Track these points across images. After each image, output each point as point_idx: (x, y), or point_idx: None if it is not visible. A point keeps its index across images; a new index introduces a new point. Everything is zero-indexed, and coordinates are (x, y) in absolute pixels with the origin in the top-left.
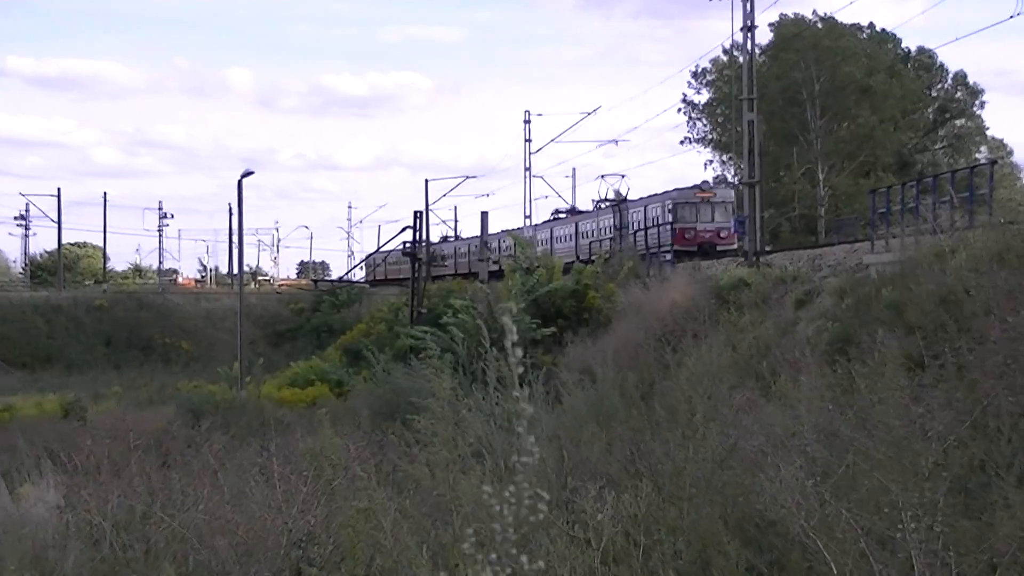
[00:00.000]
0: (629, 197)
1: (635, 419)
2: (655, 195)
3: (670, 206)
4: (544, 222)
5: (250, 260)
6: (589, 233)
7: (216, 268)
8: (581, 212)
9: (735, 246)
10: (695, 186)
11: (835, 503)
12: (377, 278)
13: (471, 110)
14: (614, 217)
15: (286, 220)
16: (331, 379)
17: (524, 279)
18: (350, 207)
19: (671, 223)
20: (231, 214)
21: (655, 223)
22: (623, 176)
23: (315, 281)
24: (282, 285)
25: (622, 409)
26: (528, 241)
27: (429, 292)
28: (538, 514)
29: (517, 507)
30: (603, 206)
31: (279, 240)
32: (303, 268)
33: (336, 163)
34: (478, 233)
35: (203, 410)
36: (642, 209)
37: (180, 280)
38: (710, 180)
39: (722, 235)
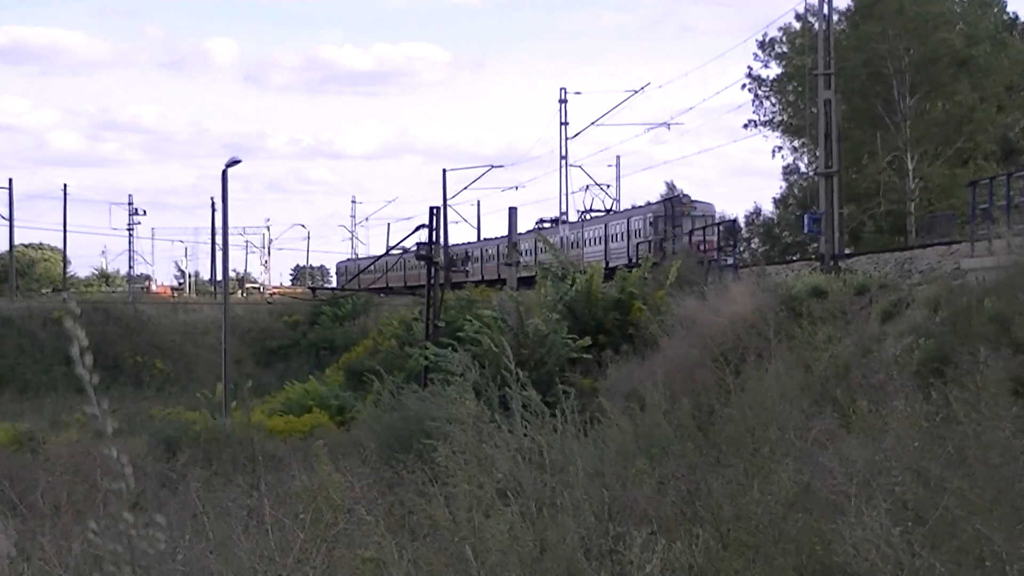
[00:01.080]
0: (620, 207)
1: (690, 453)
2: (638, 207)
3: (651, 219)
4: (527, 231)
5: (236, 264)
6: (575, 244)
7: (196, 274)
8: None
9: (729, 260)
10: (675, 198)
11: (928, 554)
12: (361, 287)
13: (495, 88)
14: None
15: (279, 217)
16: (331, 405)
17: (558, 287)
18: (354, 202)
19: (651, 237)
20: (214, 210)
21: (638, 236)
22: (607, 186)
23: (313, 289)
24: (274, 293)
25: (675, 441)
26: (553, 244)
27: (448, 302)
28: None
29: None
30: (587, 217)
31: (270, 241)
32: (299, 274)
33: (337, 150)
34: (505, 232)
35: (180, 442)
36: (624, 221)
37: (154, 288)
38: (787, 168)
39: (701, 248)
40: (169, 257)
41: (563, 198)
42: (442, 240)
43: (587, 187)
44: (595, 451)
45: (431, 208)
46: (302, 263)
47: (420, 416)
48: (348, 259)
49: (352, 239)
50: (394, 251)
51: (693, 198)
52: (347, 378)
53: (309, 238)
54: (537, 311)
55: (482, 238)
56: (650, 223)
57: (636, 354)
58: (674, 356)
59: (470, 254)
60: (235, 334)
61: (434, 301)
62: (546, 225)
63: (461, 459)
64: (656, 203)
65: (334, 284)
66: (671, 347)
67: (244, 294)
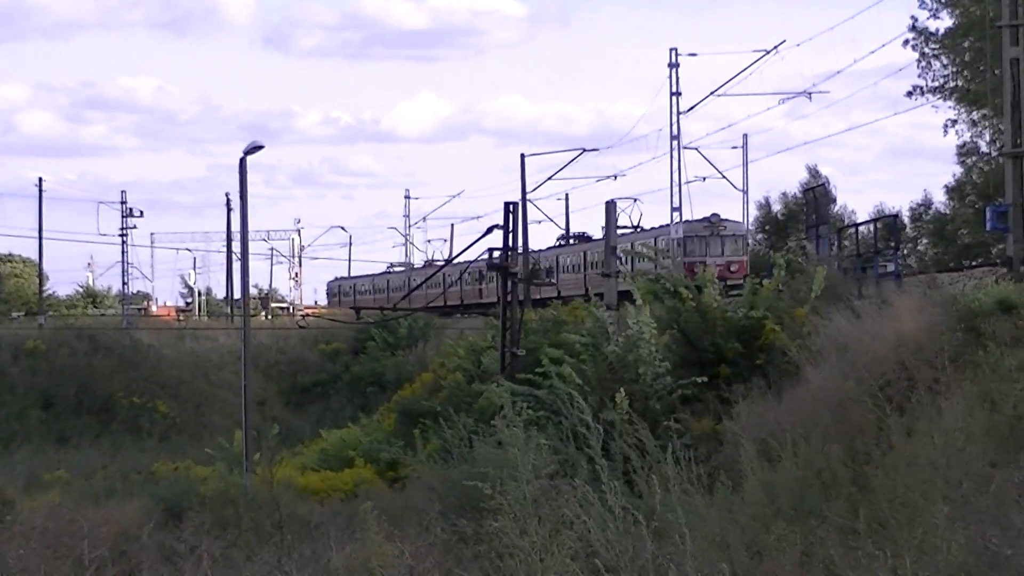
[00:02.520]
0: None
1: (844, 515)
2: (663, 226)
3: (679, 239)
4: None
5: (258, 278)
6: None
7: (208, 291)
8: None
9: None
10: (704, 218)
11: None
12: (359, 306)
13: (586, 50)
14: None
15: (312, 218)
16: (380, 457)
17: (668, 305)
18: (408, 198)
19: (678, 257)
20: (229, 210)
21: (666, 257)
22: (635, 200)
23: (357, 310)
24: (307, 315)
25: (824, 500)
26: (655, 250)
27: (529, 325)
28: None
29: None
30: (572, 241)
31: (301, 248)
32: (337, 290)
33: (384, 132)
34: (600, 234)
35: (189, 504)
36: (652, 241)
37: (154, 309)
38: (959, 146)
39: (732, 269)
40: (173, 270)
41: (674, 188)
42: (521, 244)
43: (635, 200)
44: (719, 513)
45: (506, 204)
46: (342, 275)
47: (495, 470)
48: (341, 277)
49: (406, 244)
50: (460, 259)
51: (723, 216)
52: (400, 423)
53: (351, 244)
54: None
55: (571, 241)
56: (677, 244)
57: (771, 388)
58: (820, 390)
59: (560, 262)
60: (258, 367)
61: (511, 323)
62: (571, 242)
63: (528, 524)
64: (688, 221)
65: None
66: (816, 379)
67: (269, 316)
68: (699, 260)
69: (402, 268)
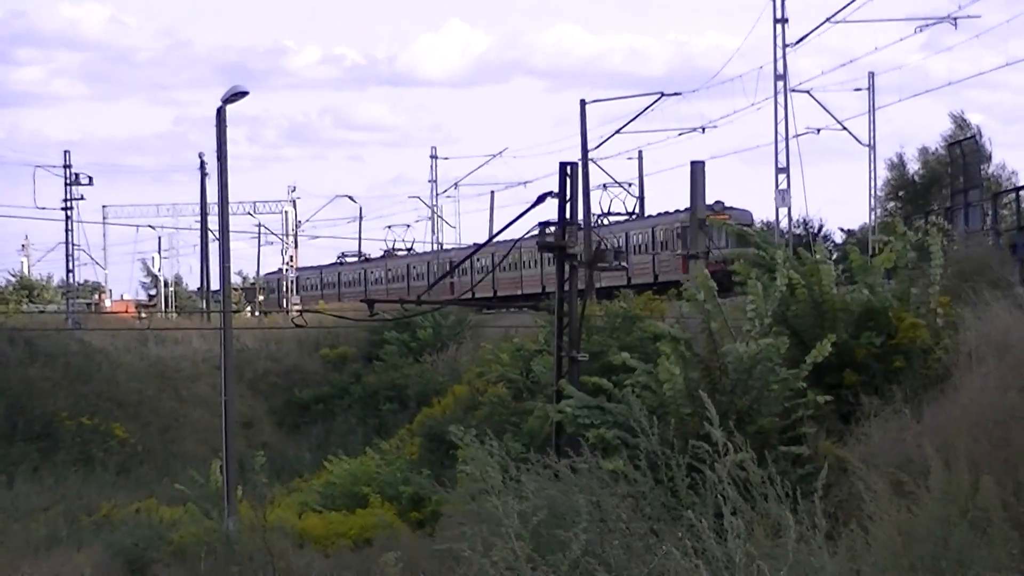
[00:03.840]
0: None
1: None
2: (665, 214)
3: (678, 230)
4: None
5: (243, 263)
6: None
7: (177, 280)
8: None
9: None
10: (707, 206)
11: None
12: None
13: None
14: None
15: (310, 185)
16: (402, 493)
17: (773, 294)
18: (434, 157)
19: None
20: (203, 175)
21: (663, 248)
22: (629, 185)
23: (370, 303)
24: (304, 312)
25: (982, 545)
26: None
27: (592, 321)
28: None
29: None
30: (604, 222)
31: (297, 223)
32: (276, 285)
33: (403, 73)
34: (682, 204)
35: (155, 556)
36: (648, 231)
37: (108, 304)
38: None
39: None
40: (132, 254)
41: (779, 142)
42: (581, 215)
43: (604, 186)
44: (842, 565)
45: (562, 166)
46: (350, 255)
47: (560, 511)
48: (275, 271)
49: (433, 218)
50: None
51: (727, 203)
52: (427, 448)
53: (361, 218)
54: (730, 329)
55: (647, 213)
56: (677, 234)
57: (909, 401)
58: (973, 405)
59: (631, 240)
60: (242, 379)
61: (570, 320)
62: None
63: None
64: (685, 210)
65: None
66: (967, 389)
67: (257, 312)
68: (700, 254)
69: (356, 259)
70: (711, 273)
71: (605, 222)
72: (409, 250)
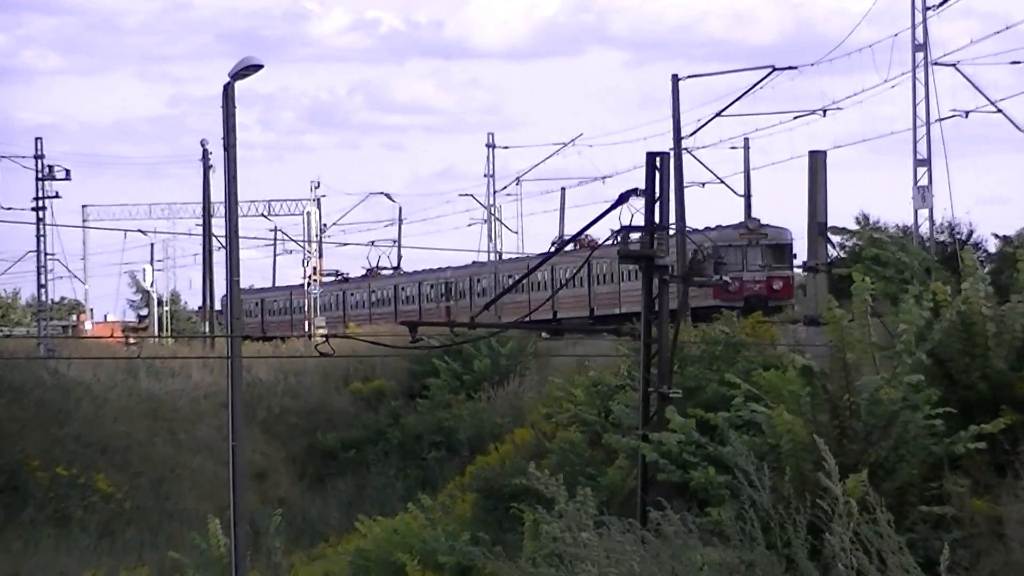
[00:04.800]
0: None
1: None
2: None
3: (709, 248)
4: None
5: (255, 276)
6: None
7: (174, 298)
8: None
9: (792, 300)
10: (740, 224)
11: None
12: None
13: None
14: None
15: (338, 179)
16: (448, 559)
17: (907, 317)
18: (491, 146)
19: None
20: (206, 168)
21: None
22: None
23: (411, 326)
24: (329, 337)
25: None
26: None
27: (686, 350)
28: None
29: None
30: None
31: (322, 228)
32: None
33: (453, 41)
34: (774, 210)
35: None
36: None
37: (89, 327)
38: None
39: (775, 287)
40: (117, 265)
41: (918, 128)
42: (672, 217)
43: (703, 184)
44: None
45: (650, 157)
46: (385, 268)
47: None
48: (252, 288)
49: (489, 220)
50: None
51: (763, 221)
52: (482, 507)
53: (401, 221)
54: (871, 361)
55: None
56: (706, 254)
57: None
58: None
59: (740, 249)
60: (254, 419)
61: (660, 347)
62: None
63: None
64: (719, 227)
65: (457, 319)
66: None
67: (277, 341)
68: (734, 276)
69: (333, 279)
70: (745, 298)
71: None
72: (396, 269)
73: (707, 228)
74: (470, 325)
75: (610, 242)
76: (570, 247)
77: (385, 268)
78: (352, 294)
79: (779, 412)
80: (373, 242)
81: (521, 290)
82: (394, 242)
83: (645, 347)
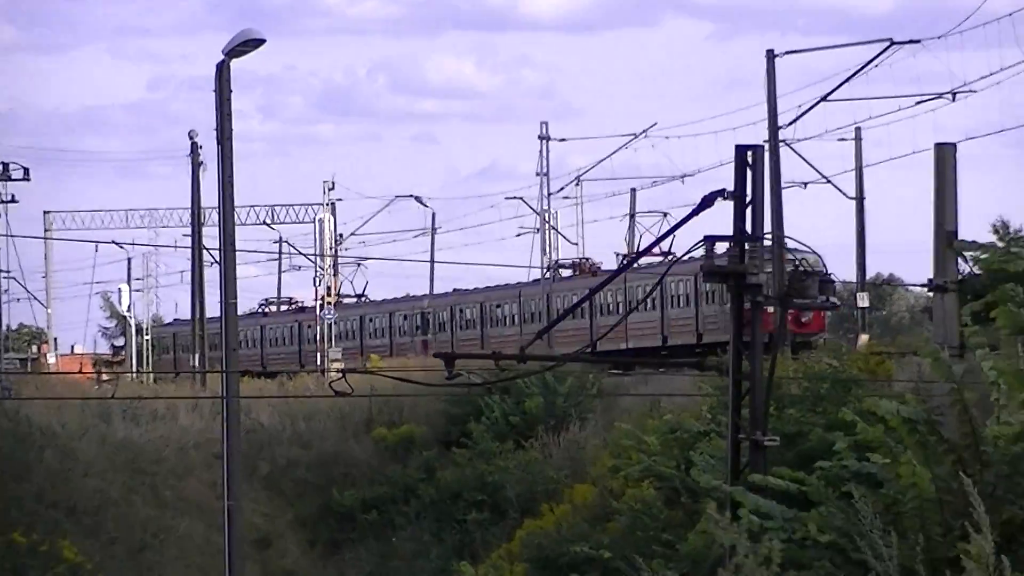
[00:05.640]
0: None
1: None
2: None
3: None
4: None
5: (255, 297)
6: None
7: (156, 323)
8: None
9: (823, 335)
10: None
11: None
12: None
13: None
14: None
15: (357, 178)
16: None
17: None
18: (545, 138)
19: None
20: (196, 163)
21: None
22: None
23: (447, 358)
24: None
25: None
26: None
27: (784, 388)
28: None
29: None
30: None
31: (338, 238)
32: (157, 344)
33: (498, 9)
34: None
35: None
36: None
37: (53, 360)
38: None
39: (803, 319)
40: (87, 284)
41: None
42: (768, 225)
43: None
44: None
45: (739, 150)
46: (413, 292)
47: None
48: (174, 322)
49: (543, 229)
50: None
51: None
52: None
53: (434, 229)
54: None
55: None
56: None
57: None
58: None
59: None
60: (255, 473)
61: (752, 384)
62: (564, 273)
63: None
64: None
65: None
66: None
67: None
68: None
69: (287, 307)
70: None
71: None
72: (360, 296)
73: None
74: (519, 357)
75: (688, 256)
76: (566, 272)
77: (347, 296)
78: (309, 326)
79: (906, 461)
80: (359, 264)
81: (580, 315)
82: (359, 265)
83: (734, 384)
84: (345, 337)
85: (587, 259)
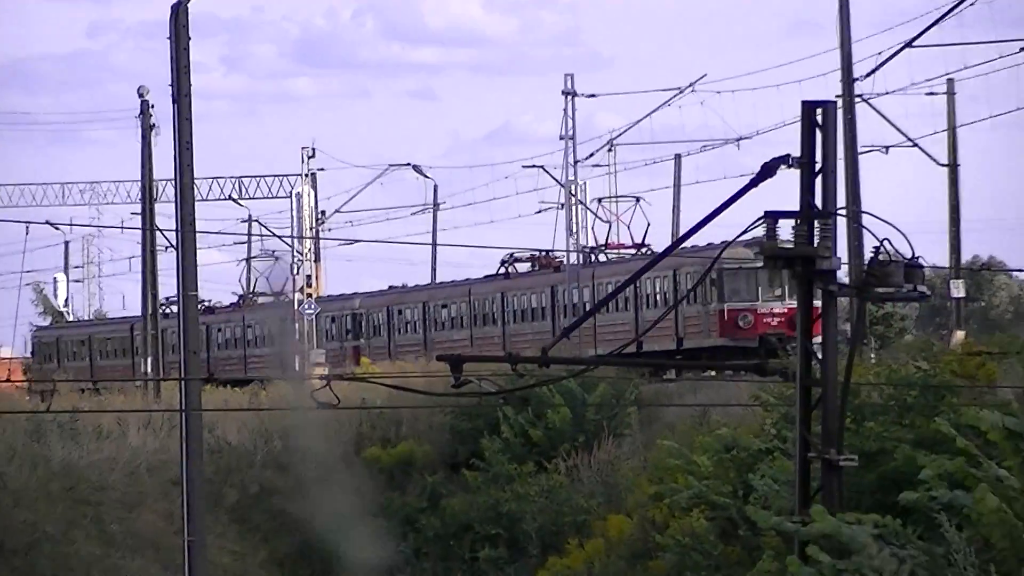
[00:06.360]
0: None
1: None
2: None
3: (713, 274)
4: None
5: (221, 288)
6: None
7: (97, 317)
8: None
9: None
10: (752, 240)
11: None
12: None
13: None
14: None
15: (340, 143)
16: None
17: None
18: (570, 94)
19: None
20: (147, 125)
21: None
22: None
23: (453, 362)
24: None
25: None
26: None
27: (860, 392)
28: None
29: None
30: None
31: (319, 216)
32: (55, 346)
33: None
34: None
35: None
36: (608, 282)
37: None
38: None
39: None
40: (14, 274)
41: None
42: (841, 199)
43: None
44: None
45: (807, 108)
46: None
47: None
48: (64, 323)
49: (568, 203)
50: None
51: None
52: None
53: (436, 205)
54: None
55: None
56: (712, 280)
57: None
58: None
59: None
60: (220, 503)
61: (824, 392)
62: (521, 268)
63: None
64: (727, 242)
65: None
66: None
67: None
68: (746, 307)
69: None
70: (760, 336)
71: (603, 258)
72: (278, 294)
73: (709, 244)
74: (541, 360)
75: (747, 236)
76: (523, 266)
77: (264, 294)
78: (220, 329)
79: (981, 493)
80: (248, 259)
81: (613, 309)
82: (276, 258)
83: (802, 391)
84: (260, 343)
85: (546, 252)
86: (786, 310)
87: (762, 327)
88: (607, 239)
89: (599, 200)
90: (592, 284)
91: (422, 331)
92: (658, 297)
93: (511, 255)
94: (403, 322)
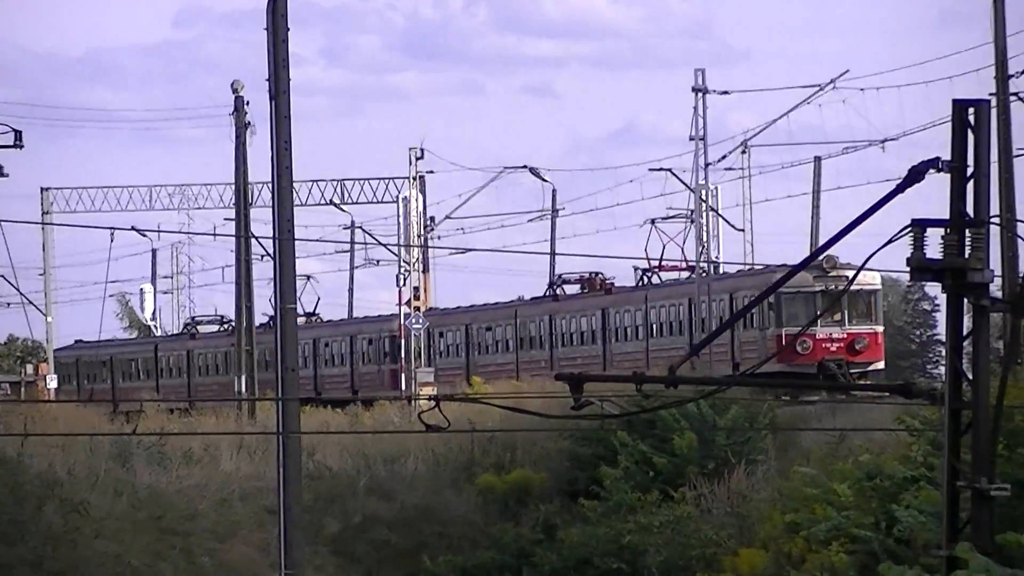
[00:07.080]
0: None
1: None
2: (683, 281)
3: (772, 298)
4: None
5: (322, 301)
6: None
7: (190, 325)
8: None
9: (879, 363)
10: (809, 259)
11: None
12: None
13: None
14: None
15: (451, 144)
16: None
17: None
18: (701, 91)
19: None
20: (242, 124)
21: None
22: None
23: (573, 382)
24: (439, 401)
25: None
26: None
27: (1015, 416)
28: None
29: None
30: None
31: (429, 222)
32: (74, 366)
33: None
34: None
35: None
36: (661, 305)
37: (53, 383)
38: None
39: (858, 347)
40: (97, 285)
41: None
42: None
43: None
44: None
45: (958, 108)
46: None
47: None
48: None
49: (698, 209)
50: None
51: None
52: None
53: (555, 211)
54: None
55: None
56: (771, 304)
57: None
58: None
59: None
60: (321, 534)
61: (975, 416)
62: (570, 290)
63: None
64: (781, 266)
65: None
66: None
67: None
68: (802, 333)
69: (218, 327)
70: (819, 363)
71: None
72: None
73: (766, 267)
74: (667, 380)
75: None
76: (572, 288)
77: (206, 317)
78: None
79: None
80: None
81: (667, 333)
82: (308, 278)
83: (951, 415)
84: (205, 371)
85: (597, 274)
86: (845, 335)
87: (820, 352)
88: (660, 261)
89: (652, 221)
90: (645, 307)
91: (464, 355)
92: (714, 321)
93: (560, 276)
94: (330, 354)
